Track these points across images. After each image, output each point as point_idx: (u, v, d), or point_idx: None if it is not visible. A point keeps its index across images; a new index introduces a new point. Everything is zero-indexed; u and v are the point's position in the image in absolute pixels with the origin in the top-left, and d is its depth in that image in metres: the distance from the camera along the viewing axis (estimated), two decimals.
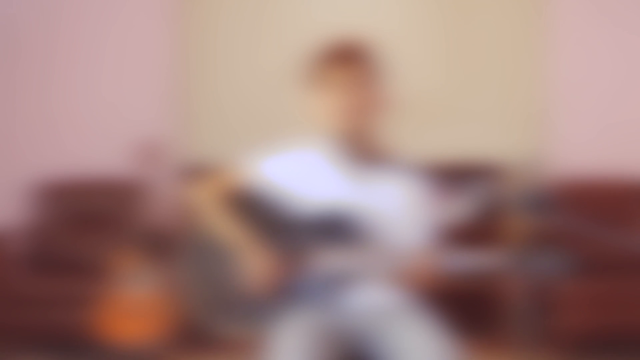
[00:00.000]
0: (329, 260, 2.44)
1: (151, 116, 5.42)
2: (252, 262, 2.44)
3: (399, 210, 2.55)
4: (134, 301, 4.55)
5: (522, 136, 5.40)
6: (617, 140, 5.38)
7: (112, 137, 5.40)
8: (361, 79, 2.51)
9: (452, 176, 4.91)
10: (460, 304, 3.63)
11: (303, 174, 2.55)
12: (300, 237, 2.46)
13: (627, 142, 5.38)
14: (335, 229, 2.45)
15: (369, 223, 2.46)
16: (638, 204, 5.17)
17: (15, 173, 5.38)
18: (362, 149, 2.55)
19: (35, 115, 5.50)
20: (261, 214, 2.51)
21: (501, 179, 5.13)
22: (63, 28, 5.49)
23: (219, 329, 2.50)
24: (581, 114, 5.40)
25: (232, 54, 5.47)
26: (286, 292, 2.45)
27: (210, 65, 5.48)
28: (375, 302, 2.53)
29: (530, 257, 2.24)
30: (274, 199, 2.52)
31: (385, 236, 2.47)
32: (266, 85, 5.41)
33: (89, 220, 5.16)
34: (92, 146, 5.44)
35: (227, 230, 2.50)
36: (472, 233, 4.12)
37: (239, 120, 5.46)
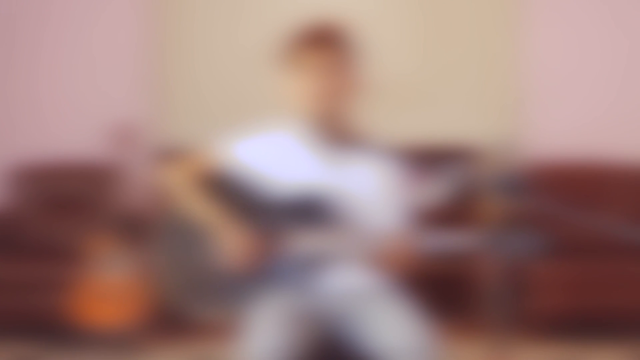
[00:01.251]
0: (304, 243, 2.44)
1: (126, 99, 5.39)
2: (228, 243, 2.44)
3: (373, 193, 2.56)
4: (109, 285, 4.53)
5: (497, 119, 5.41)
6: (590, 124, 5.41)
7: (87, 120, 5.37)
8: (336, 63, 2.50)
9: (428, 159, 4.93)
10: (434, 286, 3.64)
11: (277, 156, 2.55)
12: (275, 220, 2.46)
13: (600, 126, 5.41)
14: (309, 211, 2.45)
15: (344, 205, 2.47)
16: (611, 187, 5.20)
17: None
18: (337, 131, 2.55)
19: (8, 99, 5.45)
20: (235, 197, 2.50)
21: (476, 162, 5.15)
22: (37, 10, 5.44)
23: (194, 312, 2.50)
24: (555, 97, 5.43)
25: (208, 36, 5.45)
26: (261, 275, 2.45)
27: (186, 47, 5.46)
28: (350, 284, 2.54)
29: (504, 237, 2.25)
30: (248, 182, 2.52)
31: (360, 218, 2.48)
32: (242, 67, 5.39)
33: (64, 204, 5.13)
34: (67, 129, 5.40)
35: (201, 212, 2.49)
36: (447, 215, 4.13)
37: (215, 102, 5.44)
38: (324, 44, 2.51)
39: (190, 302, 2.49)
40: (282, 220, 2.46)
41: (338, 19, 2.60)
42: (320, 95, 2.50)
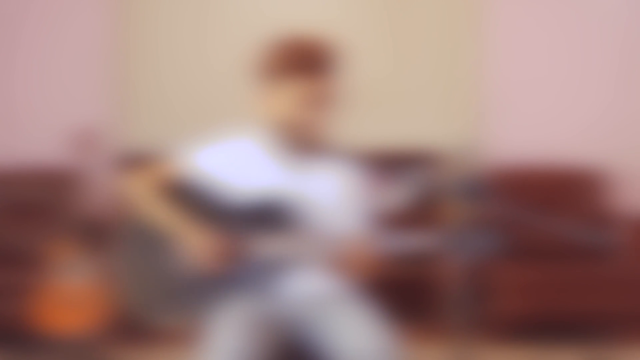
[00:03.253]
0: (265, 248, 2.44)
1: (88, 103, 5.36)
2: (190, 248, 2.44)
3: (335, 199, 2.56)
4: (70, 291, 4.50)
5: (459, 124, 5.45)
6: (551, 129, 5.47)
7: (49, 125, 5.33)
8: (314, 83, 2.48)
9: (390, 163, 4.94)
10: (396, 289, 3.66)
11: (238, 163, 2.55)
12: (236, 226, 2.46)
13: (560, 130, 5.46)
14: (270, 217, 2.46)
15: (305, 210, 2.47)
16: (570, 191, 5.26)
17: None
18: (301, 139, 2.56)
19: None
20: (196, 204, 2.50)
21: (438, 167, 5.18)
22: (1, 12, 5.39)
23: (156, 319, 2.49)
24: (516, 102, 5.48)
25: (172, 41, 5.43)
26: (223, 280, 2.45)
27: (150, 52, 5.43)
28: (312, 288, 2.55)
29: (464, 238, 2.27)
30: (209, 189, 2.51)
31: (321, 223, 2.48)
32: (206, 73, 5.39)
33: (24, 210, 5.09)
34: (28, 134, 5.36)
35: (162, 218, 2.48)
36: (409, 220, 4.15)
37: (178, 107, 5.43)
38: (303, 64, 2.48)
39: (152, 309, 2.48)
40: (243, 226, 2.46)
41: (313, 31, 2.58)
42: (295, 112, 2.49)
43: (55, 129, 5.25)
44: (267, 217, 2.46)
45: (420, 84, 5.46)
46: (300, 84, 2.46)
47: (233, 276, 2.45)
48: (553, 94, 5.49)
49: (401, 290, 4.01)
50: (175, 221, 2.47)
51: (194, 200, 2.51)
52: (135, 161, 3.41)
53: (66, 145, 5.14)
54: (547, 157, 5.38)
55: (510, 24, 5.45)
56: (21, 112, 5.40)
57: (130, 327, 4.11)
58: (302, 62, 2.48)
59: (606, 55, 5.47)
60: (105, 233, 4.44)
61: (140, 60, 5.42)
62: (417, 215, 4.42)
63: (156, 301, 2.48)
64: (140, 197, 2.53)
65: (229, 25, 5.36)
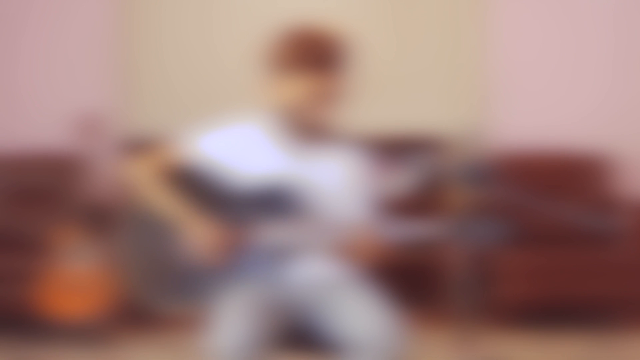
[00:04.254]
0: (270, 234, 2.44)
1: (92, 89, 5.35)
2: (193, 235, 2.43)
3: (339, 185, 2.56)
4: (75, 277, 4.51)
5: (464, 110, 5.44)
6: (555, 114, 5.46)
7: (53, 110, 5.32)
8: (324, 75, 2.46)
9: (394, 149, 4.94)
10: (401, 275, 3.66)
11: (242, 149, 2.54)
12: (240, 212, 2.46)
13: (565, 115, 5.45)
14: (274, 203, 2.45)
15: (309, 197, 2.47)
16: (575, 177, 5.25)
17: None
18: (306, 125, 2.54)
19: None
20: (200, 190, 2.50)
21: (442, 152, 5.17)
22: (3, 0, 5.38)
23: (159, 305, 2.49)
24: (521, 87, 5.46)
25: (176, 26, 5.41)
26: (228, 266, 2.45)
27: (154, 37, 5.42)
28: (317, 275, 2.55)
29: (469, 225, 2.26)
30: (213, 175, 2.51)
31: (326, 210, 2.48)
32: (211, 58, 5.37)
33: (29, 195, 5.09)
34: (33, 119, 5.35)
35: (166, 205, 2.48)
36: (414, 205, 4.15)
37: (182, 93, 5.42)
38: (312, 59, 2.45)
39: (156, 295, 2.48)
40: (247, 213, 2.45)
41: (323, 23, 2.56)
42: (301, 101, 2.48)
43: (60, 114, 5.25)
44: (271, 204, 2.45)
45: (425, 69, 5.45)
46: (309, 79, 2.45)
47: (237, 263, 2.44)
48: (557, 78, 5.47)
49: (406, 276, 4.01)
50: (178, 208, 2.47)
51: (197, 186, 2.51)
52: (139, 146, 3.40)
53: (70, 131, 5.14)
54: (551, 142, 5.36)
55: (514, 7, 5.43)
56: (26, 97, 5.40)
57: (134, 312, 4.11)
58: (312, 57, 2.46)
59: (612, 40, 5.45)
60: (109, 218, 4.44)
61: (144, 45, 5.41)
62: (422, 200, 4.42)
63: (160, 287, 2.48)
64: (143, 183, 2.53)
65: (233, 10, 5.35)
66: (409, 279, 4.13)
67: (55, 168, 5.18)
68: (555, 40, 5.46)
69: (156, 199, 2.50)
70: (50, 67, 5.39)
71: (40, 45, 5.39)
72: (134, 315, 4.21)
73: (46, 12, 5.39)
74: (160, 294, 2.48)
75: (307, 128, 2.54)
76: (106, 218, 4.52)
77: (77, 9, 5.38)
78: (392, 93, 5.37)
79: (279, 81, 2.48)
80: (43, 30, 5.39)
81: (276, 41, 2.50)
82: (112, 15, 5.37)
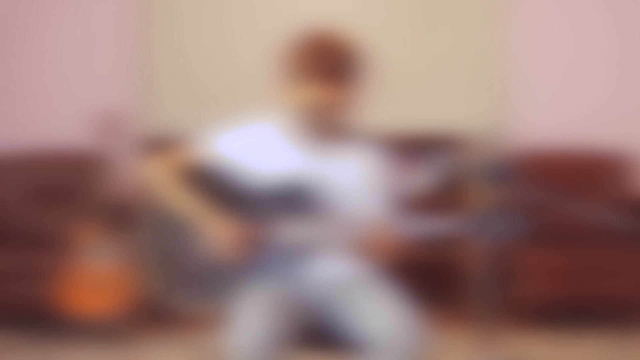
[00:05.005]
0: (288, 233, 2.44)
1: (112, 87, 5.36)
2: (212, 233, 2.44)
3: (358, 183, 2.55)
4: (95, 274, 4.52)
5: (484, 107, 5.42)
6: (577, 112, 5.42)
7: (73, 108, 5.34)
8: (340, 84, 2.46)
9: (415, 147, 4.92)
10: (420, 273, 3.65)
11: (260, 148, 2.54)
12: (258, 211, 2.46)
13: (586, 113, 5.42)
14: (292, 202, 2.45)
15: (327, 195, 2.46)
16: (595, 174, 5.22)
17: None
18: (324, 125, 2.54)
19: None
20: (217, 189, 2.50)
21: (463, 150, 5.15)
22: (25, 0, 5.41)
23: (178, 303, 2.50)
24: (542, 86, 5.43)
25: (196, 25, 5.42)
26: (246, 265, 2.45)
27: (173, 36, 5.43)
28: (335, 272, 2.54)
29: (489, 223, 2.25)
30: (230, 174, 2.51)
31: (344, 208, 2.47)
32: (230, 58, 5.38)
33: (50, 193, 5.11)
34: (53, 117, 5.38)
35: (184, 203, 2.48)
36: (433, 204, 4.13)
37: (201, 91, 5.42)
38: (330, 69, 2.44)
39: (175, 293, 2.48)
40: (265, 211, 2.45)
41: (340, 29, 2.55)
42: (319, 106, 2.47)
43: (81, 113, 5.27)
44: (289, 202, 2.45)
45: (444, 67, 5.43)
46: (325, 86, 2.44)
47: (255, 262, 2.44)
48: (577, 75, 5.44)
49: (426, 274, 3.99)
50: (196, 207, 2.47)
51: (215, 185, 2.51)
52: (159, 145, 3.41)
53: (91, 129, 5.16)
54: (571, 139, 5.33)
55: (532, 3, 5.40)
56: (47, 96, 5.42)
57: (153, 310, 4.12)
58: (328, 65, 2.45)
59: (634, 36, 5.41)
60: (129, 217, 4.46)
61: (164, 45, 5.42)
62: (441, 199, 4.40)
63: (179, 285, 2.48)
64: (162, 181, 2.53)
65: (252, 10, 5.35)
66: (428, 277, 4.11)
67: (76, 166, 5.20)
68: (575, 36, 5.43)
69: (175, 197, 2.50)
70: (70, 66, 5.42)
71: (62, 45, 5.42)
72: (153, 313, 4.22)
73: (69, 11, 5.41)
74: (179, 292, 2.48)
75: (325, 127, 2.54)
76: (126, 216, 4.54)
77: (98, 8, 5.40)
78: (411, 91, 5.36)
79: (296, 85, 2.48)
80: (65, 29, 5.41)
81: (293, 46, 2.50)
82: (132, 15, 5.39)
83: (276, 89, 2.53)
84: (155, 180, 2.54)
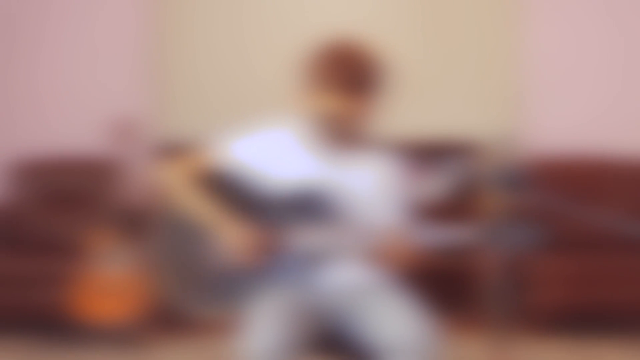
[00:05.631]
0: (303, 239, 2.43)
1: (126, 93, 5.38)
2: (227, 239, 2.44)
3: (373, 190, 2.55)
4: (110, 280, 4.53)
5: (498, 114, 5.41)
6: (590, 119, 5.41)
7: (87, 115, 5.36)
8: (359, 95, 2.46)
9: (428, 154, 4.92)
10: (435, 281, 3.64)
11: (275, 154, 2.54)
12: (273, 217, 2.46)
13: (600, 120, 5.40)
14: (307, 208, 2.45)
15: (342, 202, 2.46)
16: (611, 182, 5.20)
17: None
18: (340, 132, 2.54)
19: (8, 93, 5.45)
20: (233, 195, 2.50)
21: (476, 157, 5.14)
22: (37, 4, 5.43)
23: (193, 309, 2.50)
24: (555, 92, 5.42)
25: (208, 30, 5.44)
26: (261, 271, 2.45)
27: (188, 42, 5.45)
28: (350, 280, 2.54)
29: (503, 231, 2.25)
30: (246, 180, 2.51)
31: (359, 215, 2.47)
32: (244, 64, 5.39)
33: (64, 199, 5.13)
34: (67, 124, 5.40)
35: (199, 209, 2.49)
36: (448, 210, 4.13)
37: (215, 97, 5.43)
38: (350, 81, 2.44)
39: (190, 299, 2.49)
40: (280, 218, 2.45)
41: (356, 35, 2.54)
42: (336, 115, 2.47)
43: (95, 119, 5.29)
44: (304, 209, 2.45)
45: (457, 74, 5.42)
46: (343, 96, 2.44)
47: (270, 268, 2.44)
48: (591, 80, 5.43)
49: (440, 282, 3.98)
50: (211, 212, 2.47)
51: (231, 191, 2.51)
52: (173, 151, 3.42)
53: (105, 135, 5.17)
54: (585, 145, 5.32)
55: (546, 9, 5.39)
56: (63, 103, 5.44)
57: (167, 316, 4.13)
58: (347, 76, 2.44)
59: None
60: (144, 223, 4.47)
61: (178, 51, 5.44)
62: (455, 206, 4.40)
63: (193, 291, 2.48)
64: (177, 187, 2.54)
65: (266, 16, 5.36)
66: (443, 285, 4.10)
67: (91, 172, 5.21)
68: (587, 41, 5.42)
69: (189, 203, 2.51)
70: (85, 73, 5.44)
71: (77, 51, 5.44)
72: (167, 318, 4.23)
73: (84, 19, 5.43)
74: (193, 297, 2.48)
75: (341, 135, 2.54)
76: (141, 222, 4.55)
77: (113, 14, 5.42)
78: (425, 97, 5.35)
79: (314, 93, 2.48)
80: (80, 37, 5.44)
81: (313, 55, 2.49)
82: (146, 21, 5.41)
83: (293, 95, 2.53)
84: (171, 185, 2.55)
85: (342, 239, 2.42)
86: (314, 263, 2.45)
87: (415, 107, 5.30)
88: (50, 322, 4.56)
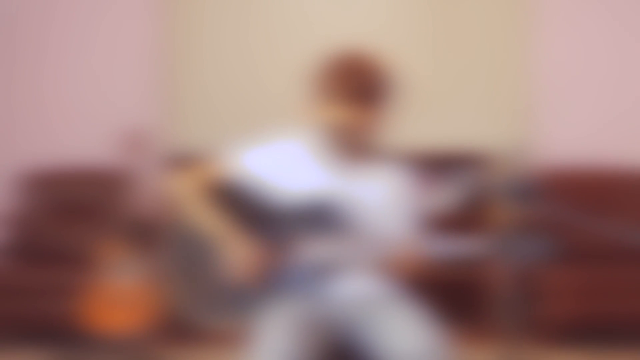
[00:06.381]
0: (313, 251, 2.43)
1: (136, 105, 5.40)
2: (236, 252, 2.44)
3: (383, 202, 2.55)
4: (119, 291, 4.54)
5: (508, 125, 5.40)
6: (601, 130, 5.40)
7: (98, 126, 5.38)
8: (368, 103, 2.46)
9: (439, 165, 4.92)
10: (445, 292, 3.64)
11: (286, 165, 2.54)
12: (283, 228, 2.46)
13: (611, 132, 5.39)
14: (318, 220, 2.45)
15: (352, 213, 2.46)
16: (622, 193, 5.18)
17: (1, 162, 5.36)
18: (350, 144, 2.54)
19: (20, 104, 5.47)
20: (243, 206, 2.50)
21: (487, 168, 5.14)
22: (50, 16, 5.46)
23: (202, 320, 2.50)
24: (566, 104, 5.41)
25: (218, 43, 5.45)
26: (271, 283, 2.45)
27: (196, 54, 5.46)
28: (360, 291, 2.54)
29: (514, 243, 2.24)
30: (256, 191, 2.51)
31: (370, 226, 2.47)
32: (254, 75, 5.40)
33: (74, 210, 5.14)
34: (78, 135, 5.42)
35: (209, 221, 2.49)
36: (458, 222, 4.13)
37: (225, 109, 5.45)
38: (358, 88, 2.44)
39: (200, 311, 2.49)
40: (290, 229, 2.45)
41: (366, 47, 2.55)
42: (346, 126, 2.48)
43: (105, 131, 5.30)
44: (314, 220, 2.45)
45: (468, 85, 5.42)
46: (353, 107, 2.45)
47: (280, 280, 2.44)
48: (602, 92, 5.42)
49: (451, 293, 3.98)
50: (219, 225, 2.47)
51: (241, 202, 2.51)
52: (183, 162, 3.42)
53: (116, 147, 5.19)
54: (597, 157, 5.31)
55: (557, 21, 5.39)
56: (73, 115, 5.46)
57: (177, 327, 4.13)
58: (357, 88, 2.45)
59: None
60: (154, 234, 4.47)
61: (187, 62, 5.45)
62: (466, 217, 4.39)
63: (203, 302, 2.48)
64: (187, 198, 2.54)
65: (275, 27, 5.37)
66: (454, 296, 4.10)
67: (101, 183, 5.23)
68: (600, 52, 5.41)
69: (199, 215, 2.51)
70: (96, 84, 5.46)
71: (87, 63, 5.46)
72: (177, 330, 4.23)
73: (93, 30, 5.45)
74: (203, 309, 2.48)
75: (350, 145, 2.54)
76: (151, 233, 4.55)
77: (123, 27, 5.44)
78: (435, 109, 5.35)
79: (324, 104, 2.48)
80: (91, 49, 5.46)
81: (323, 66, 2.50)
82: (157, 33, 5.42)
83: (303, 107, 2.53)
84: (181, 196, 2.55)
85: (353, 250, 2.42)
86: (324, 274, 2.44)
87: (425, 118, 5.30)
88: (61, 332, 4.57)
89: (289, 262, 2.44)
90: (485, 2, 5.41)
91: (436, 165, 4.81)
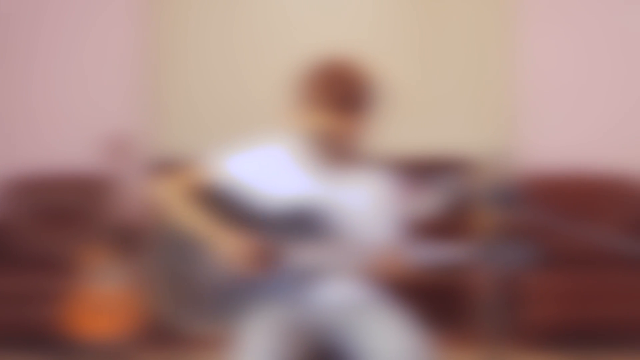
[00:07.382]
0: (297, 256, 2.44)
1: (120, 110, 5.39)
2: (227, 245, 2.43)
3: (366, 207, 2.56)
4: (103, 297, 4.52)
5: (492, 131, 5.42)
6: (584, 136, 5.43)
7: (81, 131, 5.37)
8: (352, 110, 2.47)
9: (421, 170, 4.92)
10: (428, 297, 3.64)
11: (269, 170, 2.54)
12: (267, 233, 2.46)
13: (593, 137, 5.42)
14: (301, 225, 2.45)
15: (336, 219, 2.47)
16: (605, 199, 5.21)
17: None
18: (334, 149, 2.54)
19: (2, 110, 5.45)
20: (227, 211, 2.50)
21: (470, 174, 5.15)
22: (35, 22, 5.44)
23: (187, 325, 2.50)
24: (550, 109, 5.44)
25: (202, 49, 5.45)
26: (255, 288, 2.45)
27: (181, 60, 5.46)
28: (344, 297, 2.54)
29: (497, 249, 2.25)
30: (240, 196, 2.51)
31: (353, 232, 2.47)
32: (237, 80, 5.40)
33: (58, 215, 5.12)
34: (61, 140, 5.40)
35: (195, 221, 2.49)
36: (441, 227, 4.13)
37: (209, 114, 5.44)
38: (341, 95, 2.45)
39: (184, 315, 2.49)
40: (274, 234, 2.46)
41: (350, 54, 2.55)
42: (329, 132, 2.48)
43: (89, 136, 5.29)
44: (298, 226, 2.45)
45: (451, 91, 5.44)
46: (336, 115, 2.45)
47: (264, 284, 2.44)
48: (585, 99, 5.45)
49: (434, 299, 3.99)
50: (206, 226, 2.47)
51: (225, 207, 2.51)
52: (167, 167, 3.42)
53: (99, 152, 5.17)
54: (580, 163, 5.33)
55: (540, 28, 5.42)
56: (56, 120, 5.44)
57: (161, 333, 4.12)
58: (340, 96, 2.45)
59: None
60: (137, 239, 4.46)
61: (172, 68, 5.45)
62: (449, 223, 4.40)
63: (187, 307, 2.48)
64: (172, 203, 2.54)
65: (259, 34, 5.37)
66: (437, 302, 4.11)
67: (84, 189, 5.21)
68: (582, 60, 5.44)
69: (184, 216, 2.51)
70: (79, 90, 5.44)
71: (71, 69, 5.44)
72: (161, 335, 4.22)
73: (76, 35, 5.44)
74: (187, 313, 2.48)
75: (334, 151, 2.55)
76: (134, 239, 4.54)
77: (106, 32, 5.43)
78: (419, 115, 5.37)
79: (308, 110, 2.48)
80: (74, 54, 5.44)
81: (307, 73, 2.50)
82: (140, 38, 5.42)
83: (287, 113, 2.54)
84: (166, 200, 2.55)
85: (336, 255, 2.43)
86: (308, 280, 2.45)
87: (409, 124, 5.31)
88: (44, 338, 4.55)
89: (275, 265, 2.44)
90: (470, 9, 5.43)
91: (419, 170, 4.81)
